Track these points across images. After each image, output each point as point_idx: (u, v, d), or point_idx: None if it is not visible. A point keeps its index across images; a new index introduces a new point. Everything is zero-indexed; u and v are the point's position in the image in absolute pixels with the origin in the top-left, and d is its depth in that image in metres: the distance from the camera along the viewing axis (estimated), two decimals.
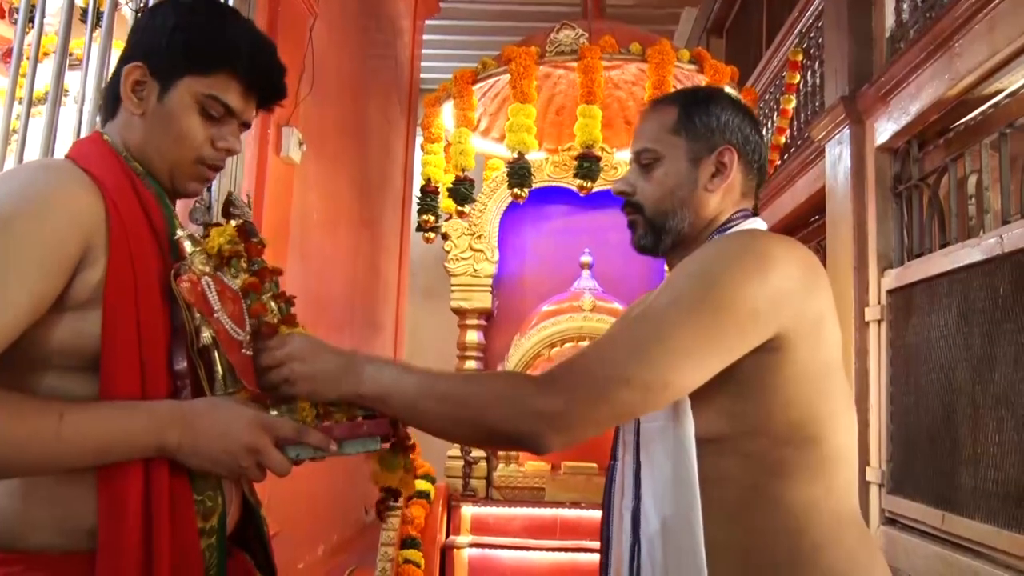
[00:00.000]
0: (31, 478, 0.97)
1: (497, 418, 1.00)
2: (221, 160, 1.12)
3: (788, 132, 5.27)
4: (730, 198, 1.22)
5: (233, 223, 1.15)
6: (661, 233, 1.21)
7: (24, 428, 0.91)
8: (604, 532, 1.24)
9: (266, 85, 1.14)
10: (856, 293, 4.00)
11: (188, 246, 1.06)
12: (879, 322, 3.84)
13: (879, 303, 3.85)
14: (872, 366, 3.87)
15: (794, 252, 1.09)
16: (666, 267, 1.28)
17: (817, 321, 1.07)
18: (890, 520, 3.64)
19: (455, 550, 3.72)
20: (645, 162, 1.22)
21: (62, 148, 2.19)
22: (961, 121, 3.49)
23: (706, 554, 1.04)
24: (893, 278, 3.75)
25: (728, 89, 4.12)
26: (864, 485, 3.80)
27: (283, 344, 1.05)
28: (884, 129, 3.91)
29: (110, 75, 1.14)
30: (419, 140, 4.73)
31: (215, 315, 1.03)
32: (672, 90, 3.18)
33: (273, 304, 1.12)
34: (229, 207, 1.18)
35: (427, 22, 7.10)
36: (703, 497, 1.05)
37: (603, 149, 3.96)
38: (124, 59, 1.10)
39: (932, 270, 3.34)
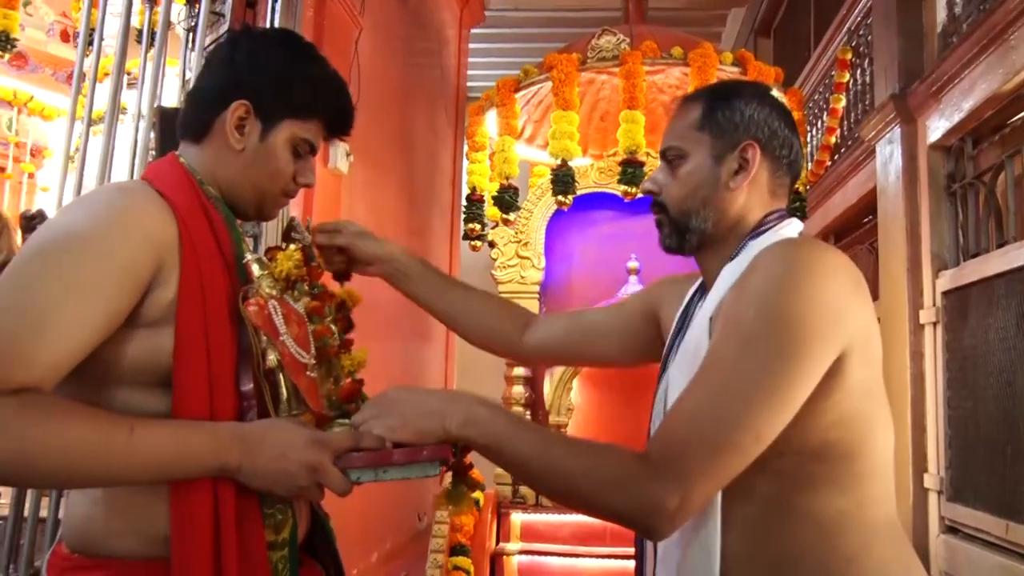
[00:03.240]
0: (111, 488, 1.02)
1: (612, 506, 0.98)
2: (297, 191, 1.21)
3: (838, 132, 5.19)
4: (757, 197, 1.16)
5: (293, 247, 1.18)
6: (685, 233, 1.17)
7: (97, 440, 0.94)
8: (639, 544, 1.23)
9: (344, 130, 1.23)
10: (910, 295, 3.91)
11: (256, 269, 1.08)
12: (934, 324, 3.76)
13: (934, 305, 3.77)
14: (928, 370, 3.79)
15: (842, 264, 1.04)
16: (698, 267, 1.25)
17: (866, 335, 1.04)
18: (950, 529, 3.55)
19: (505, 557, 3.74)
20: (671, 159, 1.19)
21: (119, 164, 2.28)
22: (1017, 116, 3.40)
23: (731, 570, 1.02)
24: (948, 279, 3.66)
25: (773, 90, 4.07)
26: (922, 492, 3.71)
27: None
28: (936, 127, 3.83)
29: (195, 99, 1.19)
30: (466, 148, 4.77)
31: (281, 338, 1.06)
32: None
33: (334, 327, 1.16)
34: (291, 231, 1.23)
35: (472, 31, 7.15)
36: (727, 513, 1.02)
37: (647, 154, 3.95)
38: (221, 92, 1.13)
39: (989, 270, 3.26)
